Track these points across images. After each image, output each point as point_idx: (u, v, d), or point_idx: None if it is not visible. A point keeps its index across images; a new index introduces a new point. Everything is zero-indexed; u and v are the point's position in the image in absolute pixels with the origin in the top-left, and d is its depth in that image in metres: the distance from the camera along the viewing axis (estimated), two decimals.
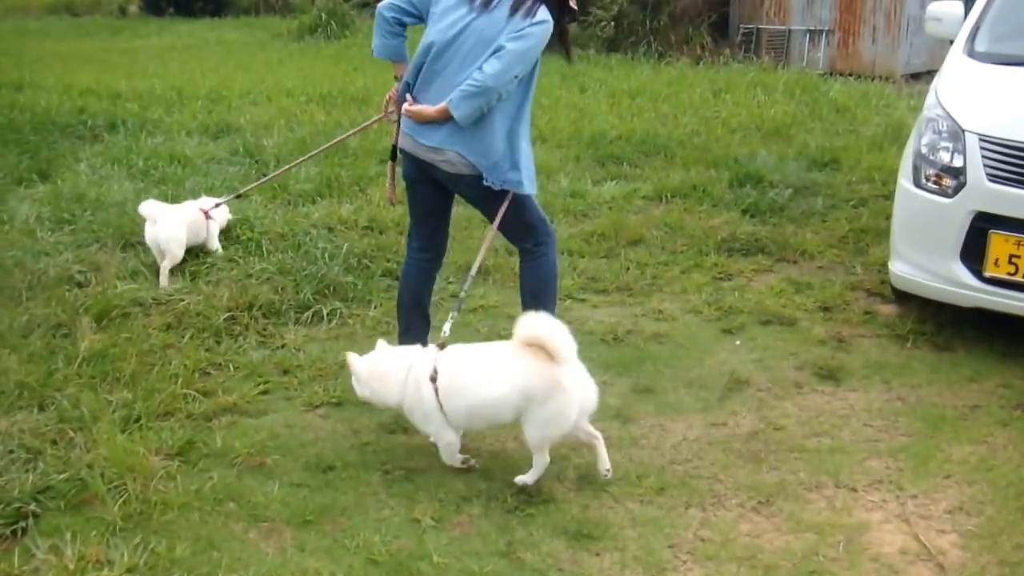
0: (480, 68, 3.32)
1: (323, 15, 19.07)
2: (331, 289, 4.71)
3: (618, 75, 11.83)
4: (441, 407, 3.12)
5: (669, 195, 6.39)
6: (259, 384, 3.84)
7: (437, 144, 3.48)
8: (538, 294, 3.78)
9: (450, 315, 3.47)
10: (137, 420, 3.49)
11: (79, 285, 4.82)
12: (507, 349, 3.12)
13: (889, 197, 6.03)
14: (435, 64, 3.49)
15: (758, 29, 14.78)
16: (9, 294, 4.70)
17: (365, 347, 4.12)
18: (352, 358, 3.29)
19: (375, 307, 4.61)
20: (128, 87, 10.59)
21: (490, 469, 3.28)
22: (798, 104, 9.53)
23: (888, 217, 5.56)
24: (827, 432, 3.55)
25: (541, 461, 3.12)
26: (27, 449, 3.28)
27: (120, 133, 8.18)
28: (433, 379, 3.11)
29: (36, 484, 3.07)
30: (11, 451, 3.25)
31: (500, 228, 3.70)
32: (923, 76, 13.19)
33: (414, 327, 3.90)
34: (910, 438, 3.50)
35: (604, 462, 3.18)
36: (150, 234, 5.00)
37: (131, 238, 5.41)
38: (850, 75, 12.90)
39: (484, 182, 3.50)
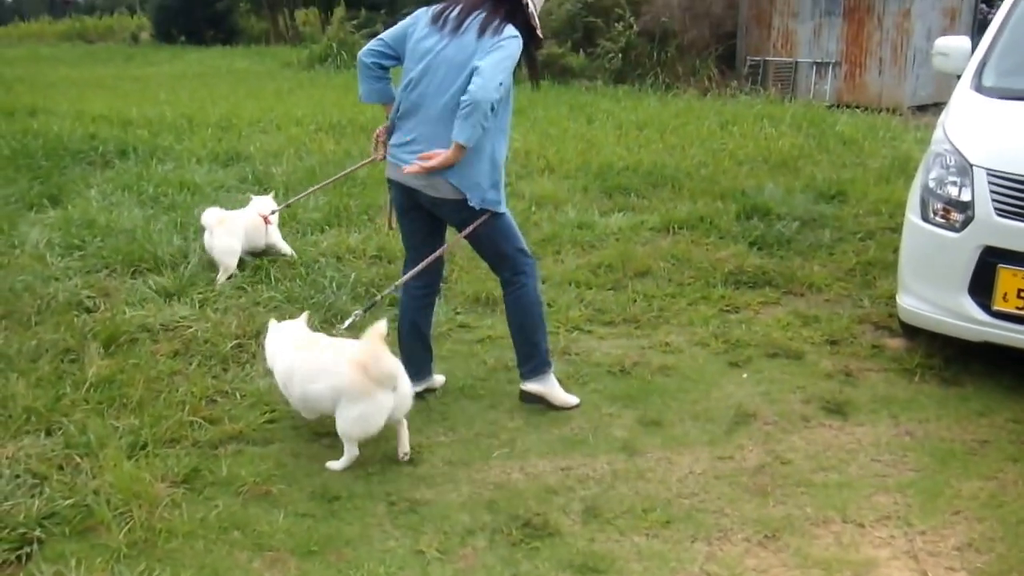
0: (464, 91, 3.41)
1: (333, 45, 19.30)
2: (338, 318, 4.71)
3: (625, 106, 11.92)
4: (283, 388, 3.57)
5: (676, 227, 6.40)
6: (265, 412, 3.84)
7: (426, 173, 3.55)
8: (523, 326, 3.89)
9: (353, 314, 3.80)
10: (144, 447, 3.49)
11: (88, 310, 4.85)
12: (337, 350, 3.47)
13: (896, 230, 6.04)
14: (411, 95, 3.61)
15: (765, 61, 14.89)
16: (18, 318, 4.73)
17: None
18: (272, 323, 3.78)
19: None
20: (139, 114, 10.72)
21: (495, 501, 3.26)
22: (805, 136, 9.59)
23: (895, 250, 5.56)
24: (834, 467, 3.53)
25: (350, 452, 3.45)
26: (33, 474, 3.28)
27: (131, 160, 8.27)
28: None
29: (42, 509, 3.07)
30: (17, 476, 3.25)
31: (480, 254, 3.88)
32: (930, 108, 13.26)
33: (415, 357, 3.92)
34: (918, 473, 3.48)
35: (403, 446, 3.51)
36: (207, 243, 5.20)
37: (140, 264, 5.44)
38: (857, 107, 12.99)
39: (468, 203, 3.59)
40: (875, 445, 3.69)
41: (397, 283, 3.89)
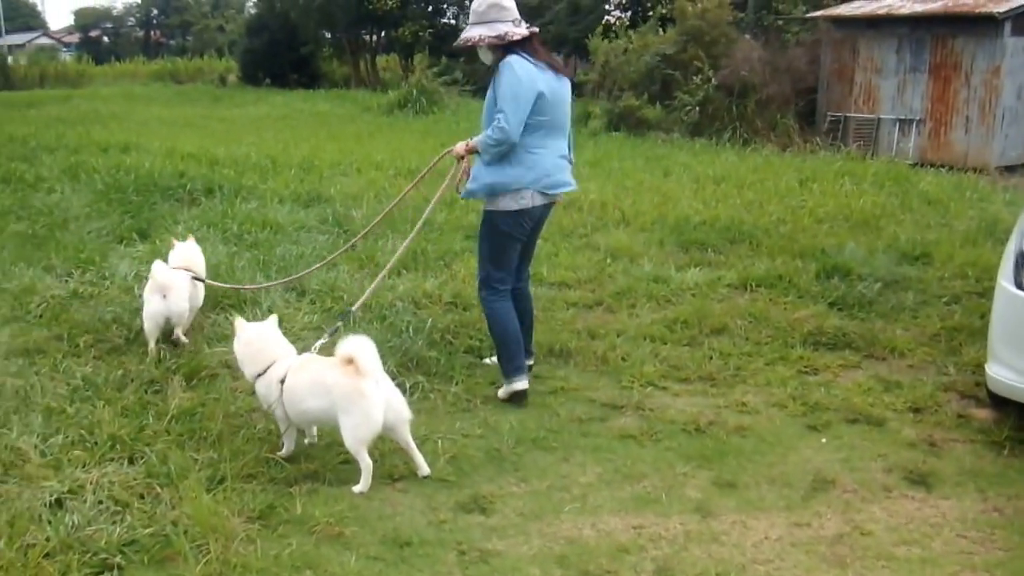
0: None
1: (414, 90, 19.68)
2: (414, 363, 4.76)
3: (702, 160, 11.89)
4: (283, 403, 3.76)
5: (754, 284, 6.32)
6: (340, 453, 3.87)
7: None
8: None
9: (326, 333, 4.18)
10: (222, 480, 3.55)
11: (172, 344, 4.98)
12: (325, 366, 3.70)
13: (984, 294, 5.88)
14: None
15: (846, 117, 14.73)
16: (107, 348, 4.89)
17: (445, 422, 4.20)
18: (239, 322, 4.00)
19: (456, 383, 4.64)
20: (225, 153, 11.07)
21: (566, 557, 3.23)
22: (887, 195, 9.41)
23: (983, 316, 5.42)
24: (917, 541, 3.41)
25: (363, 465, 3.59)
26: (115, 501, 3.37)
27: (216, 197, 8.52)
28: (281, 381, 3.75)
29: (122, 537, 3.15)
30: (100, 502, 3.35)
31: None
32: (1018, 169, 12.93)
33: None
34: (1007, 553, 3.33)
35: (421, 468, 3.72)
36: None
37: (223, 301, 5.58)
38: (941, 166, 12.70)
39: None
40: (961, 520, 3.55)
41: (363, 299, 4.65)
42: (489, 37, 4.30)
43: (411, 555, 3.21)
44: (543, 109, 4.26)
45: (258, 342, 3.92)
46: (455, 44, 4.57)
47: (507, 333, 4.50)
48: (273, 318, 4.06)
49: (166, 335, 4.98)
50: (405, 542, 3.28)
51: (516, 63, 4.22)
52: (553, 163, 4.38)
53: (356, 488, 3.60)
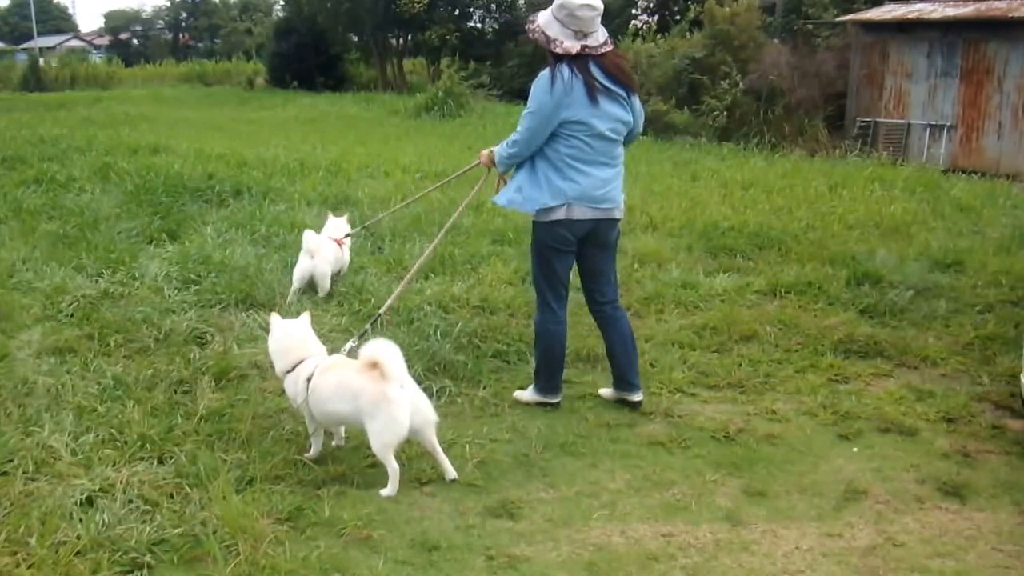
0: None
1: (440, 93, 19.70)
2: (441, 367, 4.76)
3: (730, 165, 11.83)
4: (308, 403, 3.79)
5: (783, 291, 6.27)
6: (367, 457, 3.87)
7: None
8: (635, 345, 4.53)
9: (355, 336, 4.18)
10: (251, 482, 3.56)
11: (201, 344, 5.01)
12: (353, 369, 3.70)
13: (1018, 303, 5.81)
14: None
15: (875, 122, 14.61)
16: (137, 348, 4.92)
17: (472, 427, 4.19)
18: (274, 317, 4.04)
19: (484, 387, 4.63)
20: (254, 155, 11.13)
21: (594, 564, 3.21)
22: (919, 201, 9.31)
23: (1017, 325, 5.35)
24: (951, 553, 3.35)
25: (391, 469, 3.60)
26: (145, 500, 3.39)
27: (245, 199, 8.57)
28: (308, 379, 3.77)
29: (152, 536, 3.16)
30: (130, 501, 3.37)
31: (609, 267, 4.56)
32: None
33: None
34: None
35: (448, 472, 3.73)
36: (307, 266, 5.98)
37: (252, 301, 5.60)
38: (973, 172, 12.53)
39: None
40: (996, 533, 3.49)
41: (388, 301, 4.66)
42: (541, 36, 4.12)
43: (439, 559, 3.20)
44: (576, 131, 4.09)
45: (289, 338, 3.94)
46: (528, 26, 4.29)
47: (545, 352, 4.41)
48: (305, 316, 4.06)
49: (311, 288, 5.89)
50: (433, 546, 3.27)
51: (554, 77, 4.05)
52: (601, 175, 4.20)
53: (383, 492, 3.59)
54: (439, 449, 3.74)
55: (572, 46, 4.06)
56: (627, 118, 4.23)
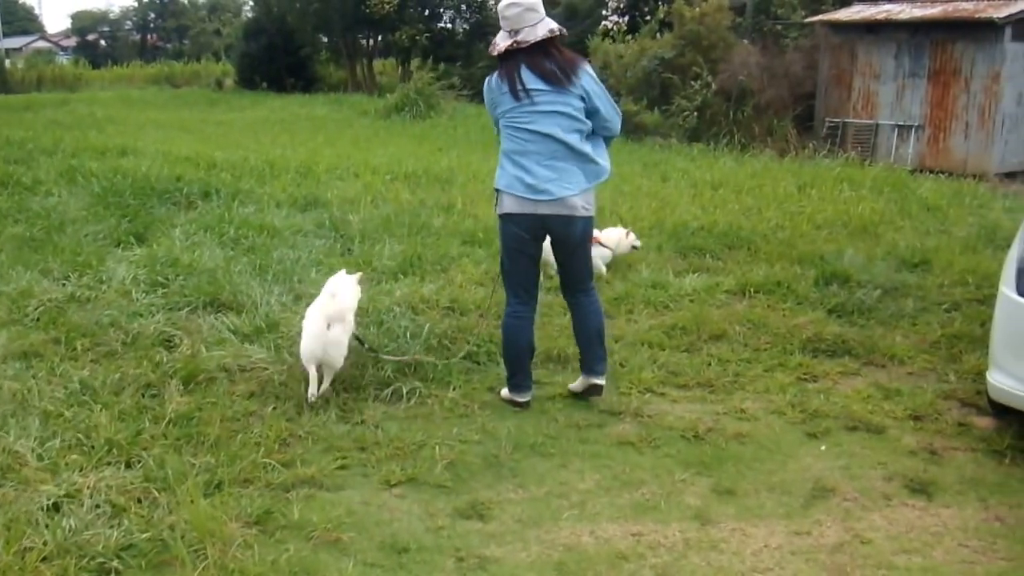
0: None
1: (410, 94, 19.65)
2: (411, 368, 4.74)
3: (700, 165, 11.89)
4: None
5: (752, 290, 6.31)
6: (337, 458, 3.86)
7: None
8: (600, 331, 4.57)
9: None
10: (219, 485, 3.54)
11: (169, 347, 4.96)
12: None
13: (984, 302, 5.87)
14: None
15: (844, 123, 14.73)
16: (104, 351, 4.86)
17: (442, 428, 4.19)
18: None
19: (454, 388, 4.62)
20: (222, 157, 11.04)
21: (564, 564, 3.21)
22: (886, 201, 9.40)
23: (983, 323, 5.41)
24: (918, 550, 3.39)
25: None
26: (112, 505, 3.36)
27: (213, 201, 8.49)
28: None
29: (119, 541, 3.14)
30: (97, 506, 3.34)
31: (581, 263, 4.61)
32: (1018, 175, 12.92)
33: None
34: (1010, 563, 3.32)
35: (311, 395, 4.34)
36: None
37: (220, 304, 5.55)
38: (940, 172, 12.66)
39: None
40: (962, 529, 3.54)
41: None
42: (494, 46, 4.33)
43: (408, 561, 3.20)
44: (510, 127, 4.27)
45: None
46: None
47: (508, 350, 4.49)
48: (357, 275, 4.82)
49: None
50: (403, 548, 3.26)
51: (489, 79, 4.32)
52: (536, 170, 4.22)
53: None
54: (324, 383, 4.40)
55: (504, 44, 4.24)
56: (573, 113, 4.23)
